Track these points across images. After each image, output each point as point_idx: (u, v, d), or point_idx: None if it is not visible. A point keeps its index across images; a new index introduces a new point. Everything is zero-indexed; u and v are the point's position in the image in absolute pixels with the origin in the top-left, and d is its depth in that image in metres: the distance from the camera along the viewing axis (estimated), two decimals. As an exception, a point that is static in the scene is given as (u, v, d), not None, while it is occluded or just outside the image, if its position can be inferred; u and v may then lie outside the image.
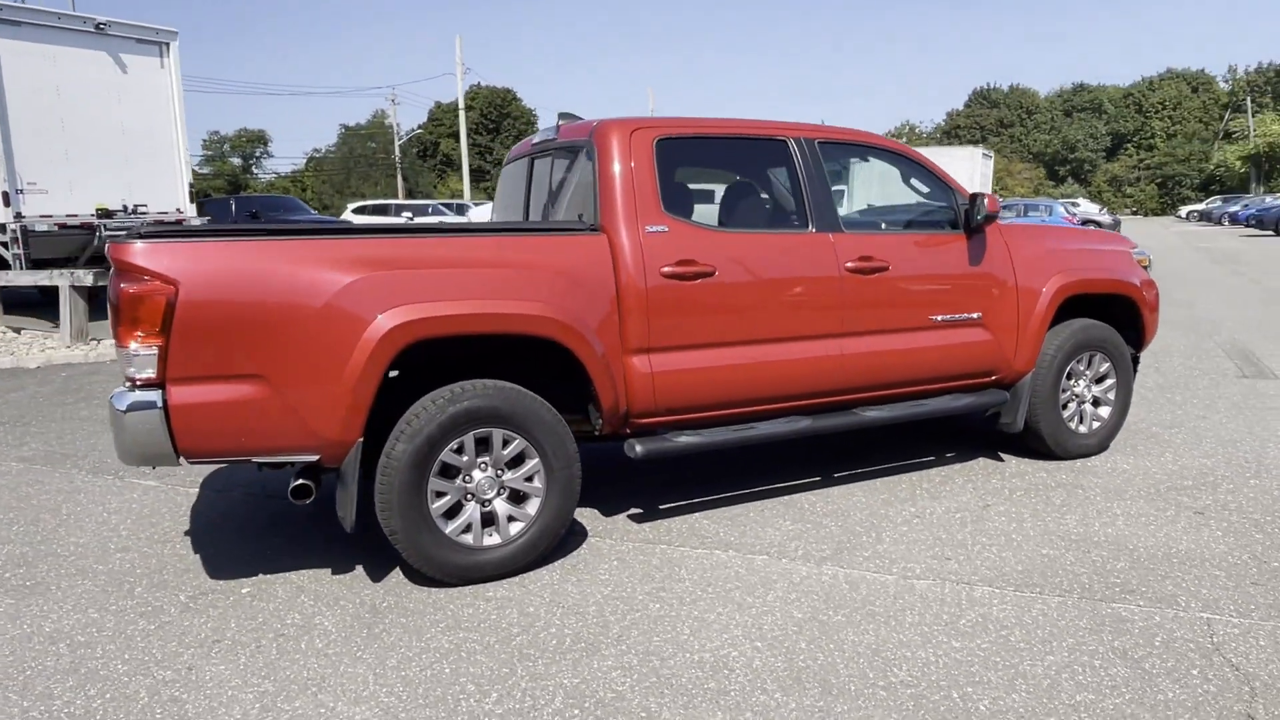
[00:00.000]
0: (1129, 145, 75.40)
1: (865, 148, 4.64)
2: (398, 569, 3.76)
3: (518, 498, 3.68)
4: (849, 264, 4.26)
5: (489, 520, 3.63)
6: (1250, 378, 7.32)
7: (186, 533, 4.29)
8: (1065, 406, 5.05)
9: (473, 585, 3.58)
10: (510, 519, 3.65)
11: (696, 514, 4.37)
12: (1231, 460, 5.08)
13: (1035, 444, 5.08)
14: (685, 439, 3.98)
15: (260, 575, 3.75)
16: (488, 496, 3.62)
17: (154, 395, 3.10)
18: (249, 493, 4.89)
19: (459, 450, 3.52)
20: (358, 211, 28.67)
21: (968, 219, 4.63)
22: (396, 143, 60.93)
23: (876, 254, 4.34)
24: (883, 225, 4.54)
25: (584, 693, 2.79)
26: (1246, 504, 4.36)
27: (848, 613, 3.30)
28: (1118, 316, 5.24)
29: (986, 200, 4.51)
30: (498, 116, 76.04)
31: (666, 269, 3.85)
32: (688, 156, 4.22)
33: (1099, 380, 5.18)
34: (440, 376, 3.60)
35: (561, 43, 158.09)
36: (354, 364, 3.28)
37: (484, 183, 60.12)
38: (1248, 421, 5.90)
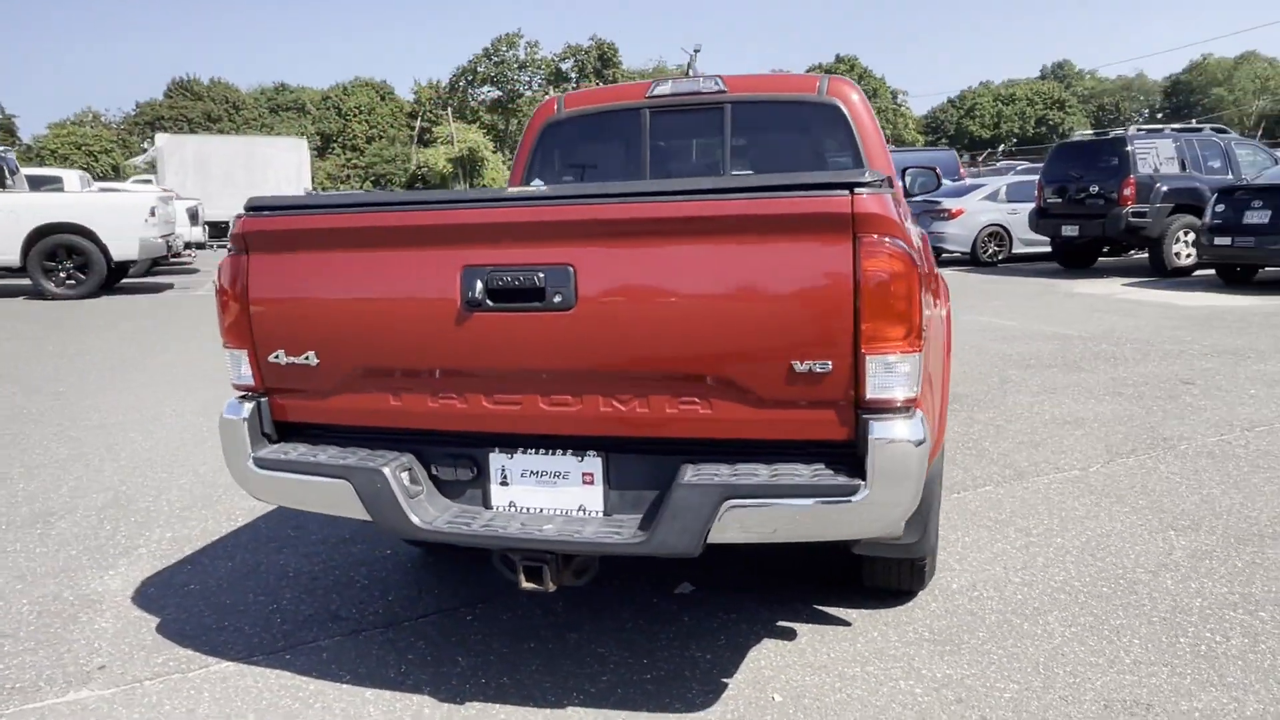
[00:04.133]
0: (335, 145, 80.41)
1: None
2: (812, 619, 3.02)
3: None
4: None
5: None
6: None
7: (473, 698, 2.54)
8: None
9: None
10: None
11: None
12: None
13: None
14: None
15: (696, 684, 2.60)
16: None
17: (923, 431, 2.06)
18: (352, 628, 2.96)
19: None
20: None
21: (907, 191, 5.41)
22: None
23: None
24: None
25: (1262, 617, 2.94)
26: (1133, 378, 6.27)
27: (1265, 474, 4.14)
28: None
29: (936, 174, 5.33)
30: None
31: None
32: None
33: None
34: None
35: None
36: None
37: None
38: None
